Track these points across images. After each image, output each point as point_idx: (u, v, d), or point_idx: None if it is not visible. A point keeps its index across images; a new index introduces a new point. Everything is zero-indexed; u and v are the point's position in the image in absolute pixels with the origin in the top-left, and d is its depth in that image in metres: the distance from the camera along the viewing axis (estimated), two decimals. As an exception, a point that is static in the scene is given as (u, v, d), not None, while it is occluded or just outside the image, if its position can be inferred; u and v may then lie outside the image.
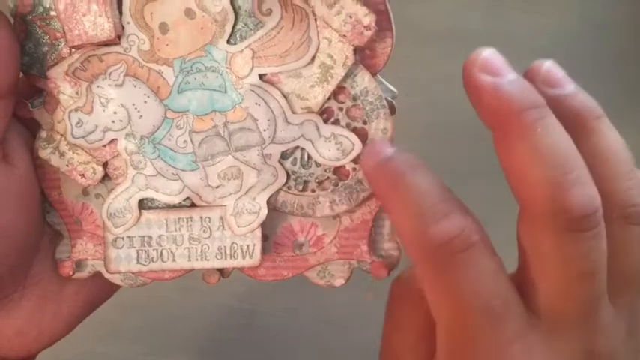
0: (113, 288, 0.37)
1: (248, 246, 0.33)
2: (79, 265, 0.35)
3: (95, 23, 0.31)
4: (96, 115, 0.32)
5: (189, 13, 0.31)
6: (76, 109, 0.33)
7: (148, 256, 0.33)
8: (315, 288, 0.35)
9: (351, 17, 0.30)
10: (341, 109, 0.32)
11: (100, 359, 0.45)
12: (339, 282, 0.34)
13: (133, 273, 0.34)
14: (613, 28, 0.49)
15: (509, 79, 0.27)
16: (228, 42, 0.32)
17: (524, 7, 0.50)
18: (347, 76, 0.31)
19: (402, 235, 0.28)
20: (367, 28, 0.30)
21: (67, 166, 0.33)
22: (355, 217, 0.33)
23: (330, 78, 0.31)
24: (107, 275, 0.34)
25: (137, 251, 0.34)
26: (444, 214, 0.27)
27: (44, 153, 0.33)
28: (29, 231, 0.34)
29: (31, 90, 0.34)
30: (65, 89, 0.33)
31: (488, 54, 0.28)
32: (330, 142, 0.32)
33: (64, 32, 0.32)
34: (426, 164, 0.28)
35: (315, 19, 0.31)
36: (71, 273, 0.34)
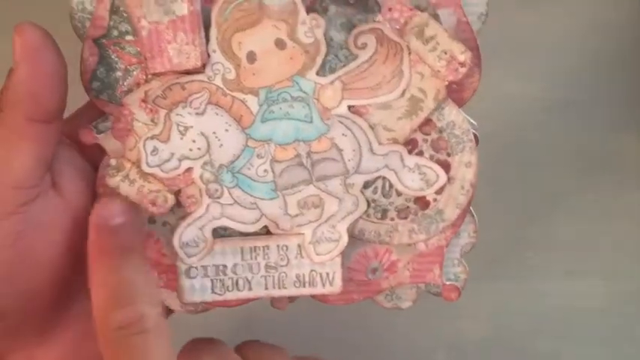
0: None
1: (328, 274, 0.33)
2: (140, 293, 0.34)
3: (180, 51, 0.30)
4: (172, 143, 0.31)
5: (279, 43, 0.31)
6: (152, 137, 0.31)
7: (224, 285, 0.33)
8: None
9: (445, 53, 0.31)
10: (425, 140, 0.32)
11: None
12: (406, 304, 0.35)
13: (207, 303, 0.33)
14: (616, 27, 0.50)
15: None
16: (317, 73, 0.31)
17: (526, 4, 0.50)
18: (434, 109, 0.32)
19: (93, 307, 0.30)
20: (462, 64, 0.31)
21: (137, 194, 0.32)
22: (430, 243, 0.34)
23: (419, 111, 0.32)
24: (169, 303, 0.34)
25: (212, 280, 0.33)
26: (129, 302, 0.30)
27: (113, 181, 0.32)
28: (75, 266, 0.32)
29: (95, 115, 0.32)
30: (140, 116, 0.31)
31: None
32: (414, 172, 0.32)
33: (145, 59, 0.30)
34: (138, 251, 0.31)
35: (409, 53, 0.31)
36: (132, 301, 0.33)
